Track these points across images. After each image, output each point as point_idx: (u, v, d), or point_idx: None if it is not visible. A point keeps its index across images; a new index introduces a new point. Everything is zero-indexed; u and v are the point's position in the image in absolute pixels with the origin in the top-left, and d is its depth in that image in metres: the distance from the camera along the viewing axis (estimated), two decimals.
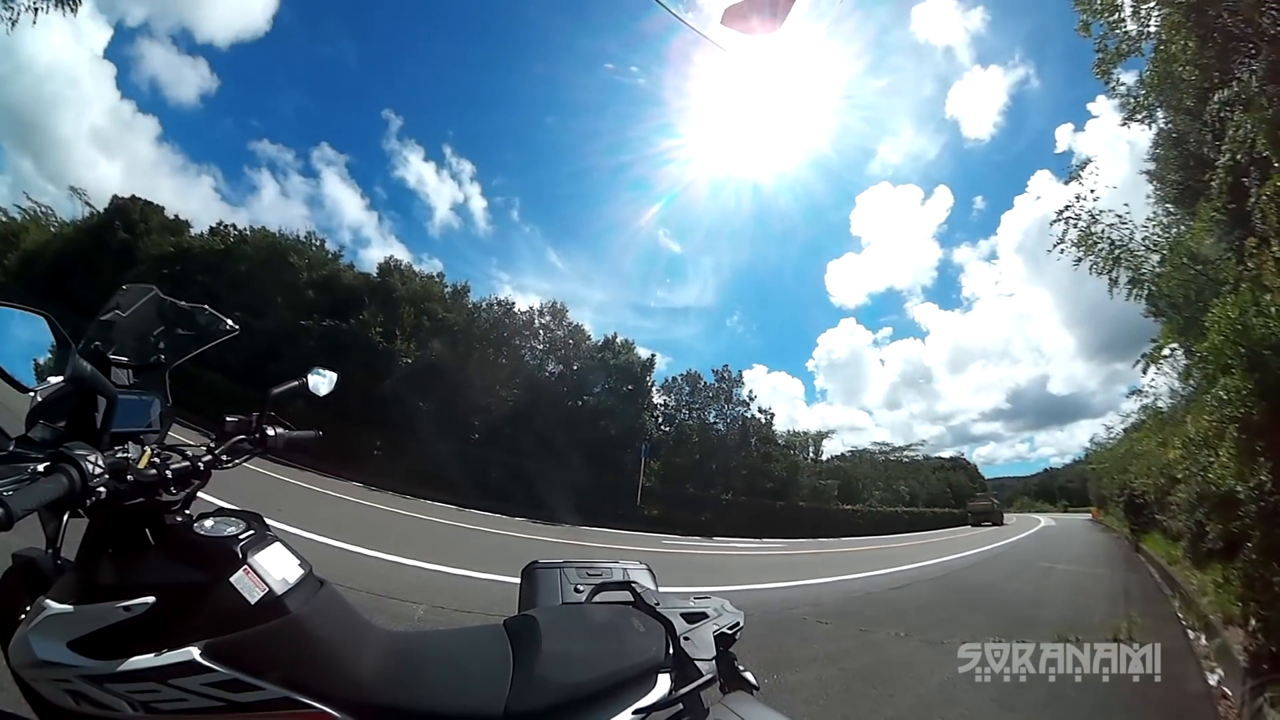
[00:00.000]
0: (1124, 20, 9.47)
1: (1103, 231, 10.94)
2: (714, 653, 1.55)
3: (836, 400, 61.54)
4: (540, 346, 27.34)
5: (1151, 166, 12.62)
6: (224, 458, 1.62)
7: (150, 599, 1.21)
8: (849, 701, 4.25)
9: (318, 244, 27.73)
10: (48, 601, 1.25)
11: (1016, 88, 57.77)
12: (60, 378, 1.40)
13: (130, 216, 29.17)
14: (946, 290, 67.94)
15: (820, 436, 34.51)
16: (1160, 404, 15.65)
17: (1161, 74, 9.16)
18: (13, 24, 12.74)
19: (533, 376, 26.26)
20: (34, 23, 12.76)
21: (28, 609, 1.69)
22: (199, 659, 1.19)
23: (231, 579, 1.27)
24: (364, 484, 15.05)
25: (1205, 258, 9.15)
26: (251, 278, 24.83)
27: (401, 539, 8.95)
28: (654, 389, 28.38)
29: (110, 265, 26.30)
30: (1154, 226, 10.99)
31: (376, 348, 22.33)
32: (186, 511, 1.44)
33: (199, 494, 1.52)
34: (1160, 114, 10.83)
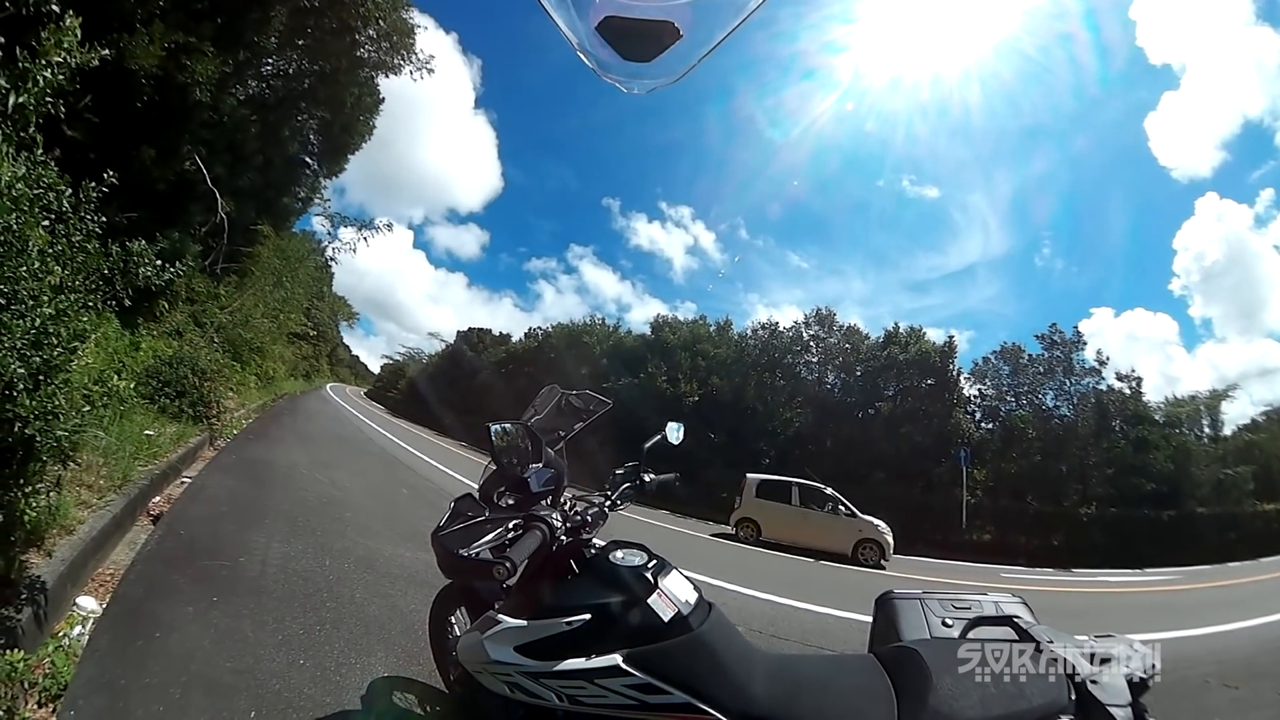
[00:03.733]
0: None
1: None
2: (1128, 699, 1.41)
3: (1229, 331, 42.32)
4: (815, 359, 26.81)
5: None
6: (618, 501, 2.07)
7: (587, 616, 1.51)
8: None
9: (600, 321, 35.41)
10: (502, 617, 1.61)
11: None
12: (540, 464, 1.92)
13: (471, 340, 44.23)
14: None
15: (1217, 398, 24.45)
16: None
17: None
18: (355, 251, 20.60)
19: (813, 392, 25.78)
20: (368, 246, 20.52)
21: (460, 612, 2.38)
22: (622, 665, 1.45)
23: (649, 600, 1.53)
24: (669, 512, 16.51)
25: None
26: (559, 361, 31.58)
27: (706, 561, 9.69)
28: (962, 377, 24.57)
29: (465, 375, 39.05)
30: None
31: (664, 394, 25.73)
32: (595, 544, 1.77)
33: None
34: None
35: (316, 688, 2.66)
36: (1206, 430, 23.85)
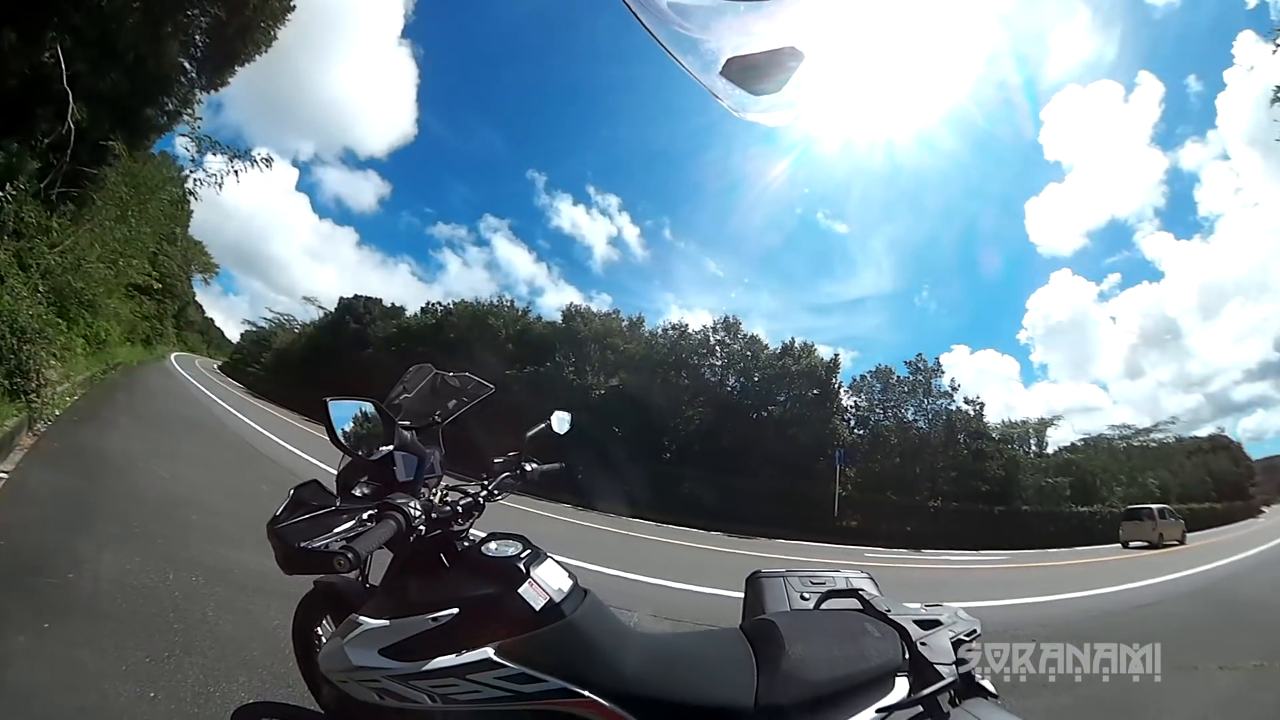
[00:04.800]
0: None
1: None
2: (952, 658, 1.58)
3: (1061, 376, 50.86)
4: (718, 363, 27.96)
5: None
6: (495, 492, 1.97)
7: (454, 610, 1.47)
8: None
9: (509, 304, 32.41)
10: (362, 618, 1.54)
11: None
12: (390, 446, 1.71)
13: (356, 310, 36.30)
14: (1181, 211, 50.25)
15: (1043, 425, 29.62)
16: None
17: None
18: (220, 186, 16.42)
19: (715, 393, 26.89)
20: (238, 182, 16.23)
21: (326, 621, 2.19)
22: (494, 657, 1.43)
23: (520, 590, 1.50)
24: (572, 505, 16.33)
25: None
26: (461, 342, 29.08)
27: (607, 552, 9.46)
28: (842, 390, 27.49)
29: (348, 350, 32.71)
30: None
31: (571, 385, 25.25)
32: (471, 535, 1.73)
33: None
34: None
35: None
36: (1033, 448, 28.76)
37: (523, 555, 1.59)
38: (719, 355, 27.83)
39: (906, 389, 27.67)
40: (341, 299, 38.69)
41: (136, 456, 7.70)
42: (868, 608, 1.80)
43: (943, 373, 27.79)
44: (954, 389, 27.46)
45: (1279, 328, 47.68)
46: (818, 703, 1.43)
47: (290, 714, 2.52)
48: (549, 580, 1.56)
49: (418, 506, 1.56)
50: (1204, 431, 37.82)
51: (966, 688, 1.57)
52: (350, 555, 1.29)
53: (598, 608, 1.61)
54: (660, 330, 29.58)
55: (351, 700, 1.60)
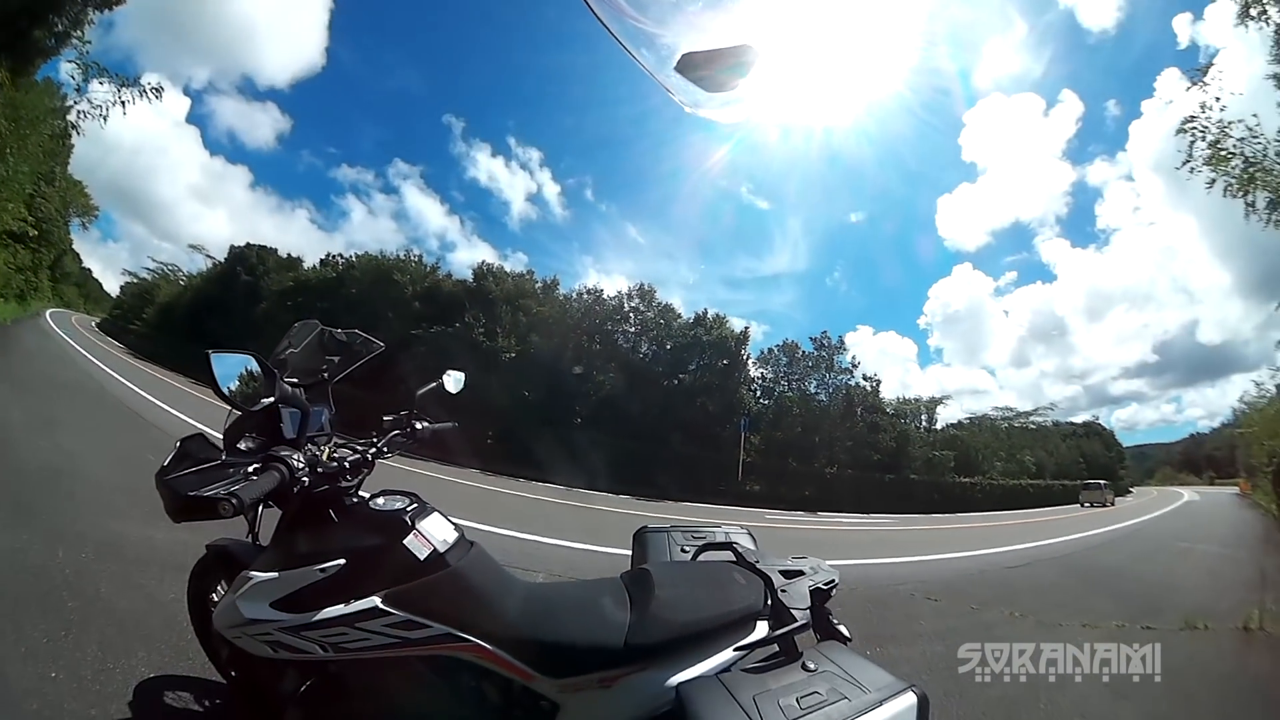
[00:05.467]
0: None
1: (1234, 146, 9.31)
2: (809, 604, 1.71)
3: (954, 360, 55.37)
4: (632, 329, 27.89)
5: (1277, 70, 10.07)
6: (384, 449, 1.99)
7: (341, 561, 1.53)
8: (953, 679, 4.08)
9: (417, 259, 30.14)
10: (252, 573, 1.58)
11: None
12: (271, 399, 1.72)
13: (249, 261, 32.82)
14: (1081, 222, 55.73)
15: (934, 403, 32.01)
16: None
17: None
18: (105, 119, 14.81)
19: (627, 359, 26.88)
20: (124, 114, 14.66)
21: (220, 587, 2.19)
22: (381, 605, 1.50)
23: (404, 541, 1.57)
24: (480, 470, 15.92)
25: None
26: (364, 298, 27.23)
27: (515, 516, 9.38)
28: (751, 362, 28.15)
29: (239, 305, 30.01)
30: None
31: (481, 346, 24.34)
32: (360, 494, 1.76)
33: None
34: (1276, 10, 9.08)
35: (77, 701, 2.41)
36: (924, 423, 30.87)
37: (409, 509, 1.65)
38: (633, 322, 27.76)
39: (811, 364, 28.71)
40: (232, 247, 35.17)
41: (14, 425, 7.46)
42: (740, 559, 1.91)
43: (846, 350, 29.03)
44: (855, 366, 28.85)
45: (1157, 334, 54.09)
46: (681, 641, 1.54)
47: (193, 686, 2.53)
48: (433, 532, 1.63)
49: (301, 459, 1.59)
50: (1080, 418, 42.52)
51: (825, 632, 1.69)
52: (235, 501, 1.33)
53: (483, 558, 1.70)
54: (575, 294, 28.89)
55: (248, 659, 1.66)
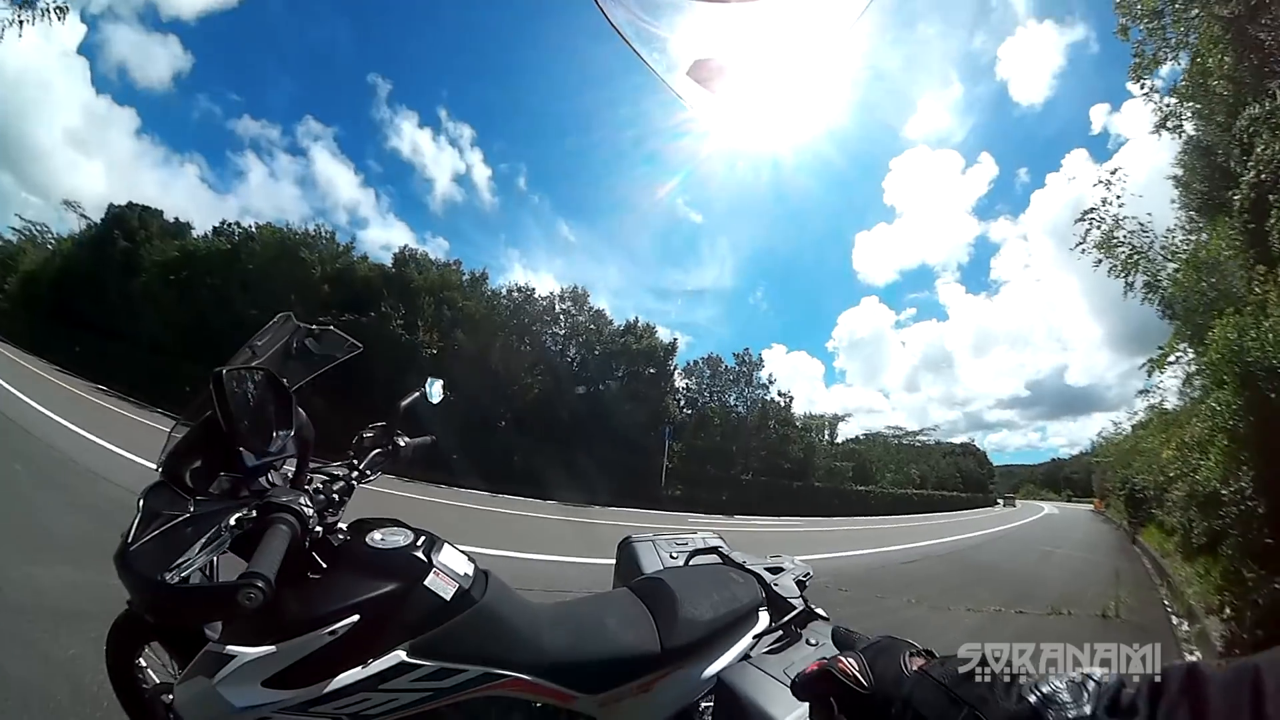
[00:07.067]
0: (1164, 28, 9.59)
1: (1124, 237, 11.29)
2: (798, 593, 1.94)
3: (855, 381, 60.89)
4: (562, 332, 27.95)
5: (1179, 173, 11.96)
6: (366, 472, 1.70)
7: (355, 618, 1.23)
8: None
9: (328, 235, 26.98)
10: (236, 649, 1.19)
11: (1073, 50, 53.20)
12: (290, 430, 1.52)
13: (129, 224, 28.22)
14: (978, 271, 64.22)
15: (836, 420, 36.21)
16: (1167, 404, 15.64)
17: (1195, 85, 9.21)
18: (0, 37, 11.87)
19: (555, 363, 26.89)
20: (19, 36, 12.04)
21: (145, 652, 1.77)
22: (407, 660, 1.27)
23: (426, 582, 1.32)
24: (396, 476, 15.53)
25: (1219, 272, 9.07)
26: (263, 276, 24.10)
27: (440, 526, 9.34)
28: (676, 372, 29.36)
29: (114, 277, 26.15)
30: (1175, 233, 11.20)
31: (399, 340, 22.30)
32: (340, 529, 1.39)
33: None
34: (1190, 124, 10.68)
35: None
36: (827, 437, 35.15)
37: (419, 543, 1.38)
38: (563, 325, 27.89)
39: (732, 377, 30.96)
40: (111, 206, 30.18)
41: None
42: (727, 561, 2.11)
43: (763, 366, 31.60)
44: (770, 382, 31.55)
45: (1031, 373, 62.64)
46: (710, 638, 1.63)
47: None
48: (454, 566, 1.39)
49: (306, 502, 1.30)
50: (959, 439, 50.09)
51: (810, 615, 1.90)
52: (260, 585, 1.01)
53: (503, 587, 1.51)
54: (504, 291, 27.73)
55: None
